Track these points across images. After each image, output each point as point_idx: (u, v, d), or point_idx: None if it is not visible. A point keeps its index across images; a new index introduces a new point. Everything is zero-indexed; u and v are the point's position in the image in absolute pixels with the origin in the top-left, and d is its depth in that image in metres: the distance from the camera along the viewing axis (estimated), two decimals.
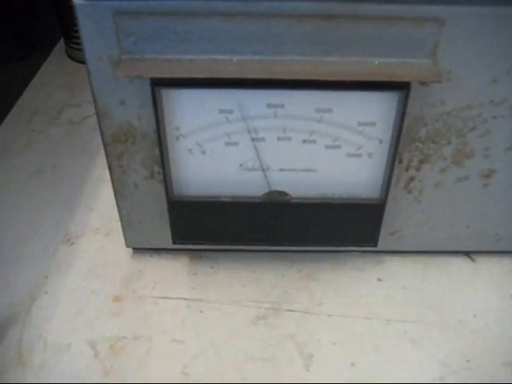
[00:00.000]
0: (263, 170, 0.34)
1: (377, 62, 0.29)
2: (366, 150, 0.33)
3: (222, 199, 0.35)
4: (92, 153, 0.49)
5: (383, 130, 0.32)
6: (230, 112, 0.31)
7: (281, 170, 0.34)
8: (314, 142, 0.32)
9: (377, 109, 0.31)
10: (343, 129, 0.32)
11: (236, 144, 0.33)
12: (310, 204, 0.35)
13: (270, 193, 0.35)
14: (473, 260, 0.40)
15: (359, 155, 0.33)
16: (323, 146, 0.33)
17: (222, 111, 0.31)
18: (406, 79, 0.29)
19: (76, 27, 0.54)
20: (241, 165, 0.34)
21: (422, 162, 0.34)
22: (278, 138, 0.32)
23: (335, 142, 0.33)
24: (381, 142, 0.33)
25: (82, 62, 0.58)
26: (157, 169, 0.35)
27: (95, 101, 0.32)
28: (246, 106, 0.31)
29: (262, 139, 0.32)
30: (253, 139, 0.32)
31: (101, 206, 0.44)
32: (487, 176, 0.35)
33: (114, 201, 0.41)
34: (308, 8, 0.28)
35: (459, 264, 0.40)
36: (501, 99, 0.31)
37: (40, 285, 0.38)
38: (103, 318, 0.36)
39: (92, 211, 0.44)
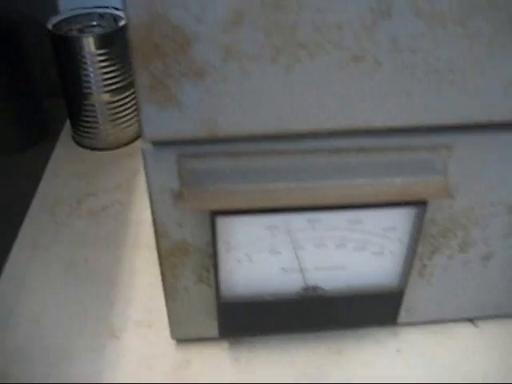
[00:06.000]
0: (301, 270, 0.39)
1: (399, 182, 0.35)
2: (387, 249, 0.39)
3: (265, 298, 0.40)
4: (118, 244, 0.53)
5: (403, 233, 0.38)
6: (275, 228, 0.36)
7: (316, 269, 0.39)
8: (345, 246, 0.38)
9: (399, 219, 0.37)
10: (370, 234, 0.37)
11: (279, 252, 0.38)
12: (339, 295, 0.40)
13: (306, 288, 0.40)
14: (476, 326, 0.46)
15: (382, 253, 0.39)
16: (352, 249, 0.38)
17: (268, 227, 0.36)
18: (424, 197, 0.35)
19: (84, 115, 0.59)
20: (282, 268, 0.39)
21: (433, 252, 0.40)
22: (315, 245, 0.38)
23: (362, 245, 0.38)
24: (401, 241, 0.38)
25: (90, 148, 0.62)
26: (205, 274, 0.39)
27: (155, 223, 0.36)
28: (289, 223, 0.36)
29: (302, 247, 0.38)
30: (294, 248, 0.37)
31: (138, 298, 0.48)
32: (487, 258, 0.41)
33: (150, 292, 0.45)
34: (345, 144, 0.33)
35: (464, 330, 0.46)
36: (498, 201, 0.38)
37: (95, 380, 0.42)
38: None
39: (130, 303, 0.48)
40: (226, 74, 0.29)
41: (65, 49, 0.59)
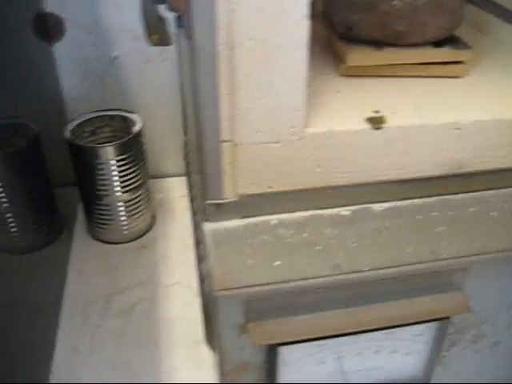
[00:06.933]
0: (342, 373, 0.45)
1: (426, 302, 0.42)
2: (416, 350, 0.45)
3: None
4: (154, 343, 0.57)
5: (429, 337, 0.44)
6: (324, 345, 0.42)
7: (354, 371, 0.45)
8: (380, 352, 0.44)
9: (426, 328, 0.43)
10: (402, 340, 0.44)
11: (325, 362, 0.44)
12: None
13: None
14: None
15: (411, 353, 0.45)
16: (387, 353, 0.44)
17: (318, 345, 0.42)
18: (447, 314, 0.42)
19: (100, 213, 0.63)
20: (326, 373, 0.44)
21: (450, 346, 0.47)
22: (356, 354, 0.44)
23: (396, 349, 0.44)
24: (427, 343, 0.45)
25: (105, 241, 0.66)
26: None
27: (220, 350, 0.42)
28: (335, 341, 0.42)
29: (344, 356, 0.44)
30: (338, 357, 0.43)
31: None
32: (495, 345, 0.48)
33: None
34: (385, 274, 0.40)
35: None
36: (505, 302, 0.45)
37: None
38: None
39: None
40: None
41: (83, 157, 0.63)
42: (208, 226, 0.43)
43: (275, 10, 0.35)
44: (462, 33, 0.55)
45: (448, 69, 0.48)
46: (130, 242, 0.70)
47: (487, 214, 0.44)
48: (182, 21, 0.37)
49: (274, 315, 0.40)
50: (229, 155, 0.40)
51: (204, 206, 0.42)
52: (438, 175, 0.44)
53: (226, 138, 0.39)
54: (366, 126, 0.41)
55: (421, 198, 0.46)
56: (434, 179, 0.45)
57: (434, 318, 0.42)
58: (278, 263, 0.39)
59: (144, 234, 0.71)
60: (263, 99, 0.38)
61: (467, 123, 0.43)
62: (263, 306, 0.39)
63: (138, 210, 0.68)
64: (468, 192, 0.46)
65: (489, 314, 0.45)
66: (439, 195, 0.46)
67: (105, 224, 0.68)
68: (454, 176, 0.45)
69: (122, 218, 0.67)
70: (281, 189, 0.42)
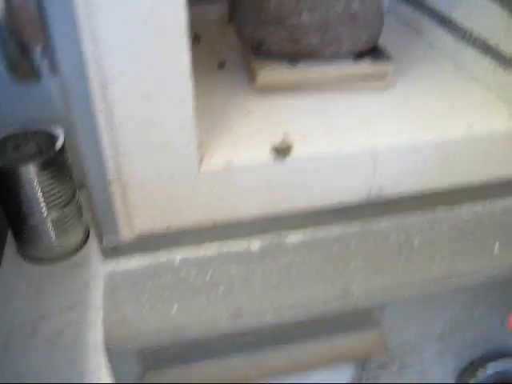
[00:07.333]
0: None
1: (341, 342, 0.39)
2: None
3: None
4: (82, 374, 0.55)
5: (349, 374, 0.42)
6: None
7: None
8: None
9: (346, 365, 0.41)
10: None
11: None
12: None
13: None
14: None
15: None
16: None
17: None
18: (364, 356, 0.39)
19: (28, 233, 0.59)
20: None
21: (375, 379, 0.44)
22: None
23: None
24: (349, 380, 0.42)
25: (36, 259, 0.62)
26: None
27: None
28: None
29: None
30: None
31: None
32: (423, 373, 0.46)
33: None
34: (290, 317, 0.37)
35: None
36: (429, 333, 0.42)
37: None
38: None
39: None
40: None
41: (2, 177, 0.60)
42: (106, 268, 0.40)
43: (148, 39, 0.31)
44: (397, 34, 0.52)
45: (369, 83, 0.45)
46: (63, 260, 0.66)
47: (409, 242, 0.42)
48: (46, 52, 0.33)
49: (174, 364, 0.37)
50: (119, 195, 0.36)
51: (100, 247, 0.39)
52: (355, 203, 0.41)
53: (112, 178, 0.36)
54: (270, 159, 0.37)
55: (339, 226, 0.43)
56: (351, 207, 0.42)
57: (350, 360, 0.39)
58: (175, 309, 0.37)
59: (77, 250, 0.67)
60: (147, 136, 0.34)
61: (385, 147, 0.39)
62: (162, 355, 0.36)
63: (67, 227, 0.64)
64: (390, 218, 0.43)
65: (413, 346, 0.43)
66: (359, 223, 0.43)
67: (33, 244, 0.64)
68: (374, 203, 0.42)
69: (52, 237, 0.64)
70: (181, 226, 0.39)
